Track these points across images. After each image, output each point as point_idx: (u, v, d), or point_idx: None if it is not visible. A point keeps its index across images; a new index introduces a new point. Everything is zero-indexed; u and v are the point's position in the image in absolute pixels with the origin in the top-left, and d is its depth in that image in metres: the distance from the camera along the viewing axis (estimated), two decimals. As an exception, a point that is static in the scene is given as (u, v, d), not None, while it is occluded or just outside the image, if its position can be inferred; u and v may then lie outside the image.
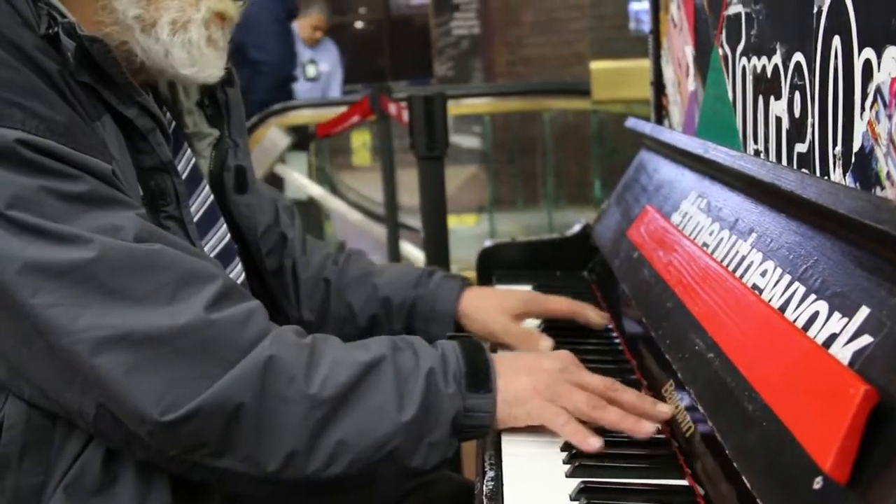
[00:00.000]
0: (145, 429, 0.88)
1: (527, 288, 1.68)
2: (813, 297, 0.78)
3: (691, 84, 1.49)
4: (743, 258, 0.98)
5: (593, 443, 0.94)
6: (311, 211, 5.07)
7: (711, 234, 1.11)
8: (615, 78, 3.59)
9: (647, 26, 1.80)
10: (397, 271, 1.42)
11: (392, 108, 3.36)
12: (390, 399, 0.93)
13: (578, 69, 5.83)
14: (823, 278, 0.79)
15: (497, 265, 1.82)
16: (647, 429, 0.98)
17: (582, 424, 0.96)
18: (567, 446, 0.97)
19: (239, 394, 0.89)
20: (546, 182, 5.68)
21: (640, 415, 0.99)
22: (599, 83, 3.61)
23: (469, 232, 5.38)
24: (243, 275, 1.20)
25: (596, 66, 3.71)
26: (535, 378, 1.00)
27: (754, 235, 0.99)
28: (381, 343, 0.99)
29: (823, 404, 0.65)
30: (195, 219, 1.10)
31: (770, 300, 0.85)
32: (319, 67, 5.89)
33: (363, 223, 4.97)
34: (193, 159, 1.15)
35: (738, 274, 0.96)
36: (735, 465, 0.78)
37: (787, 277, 0.87)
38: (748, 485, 0.74)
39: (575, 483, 0.89)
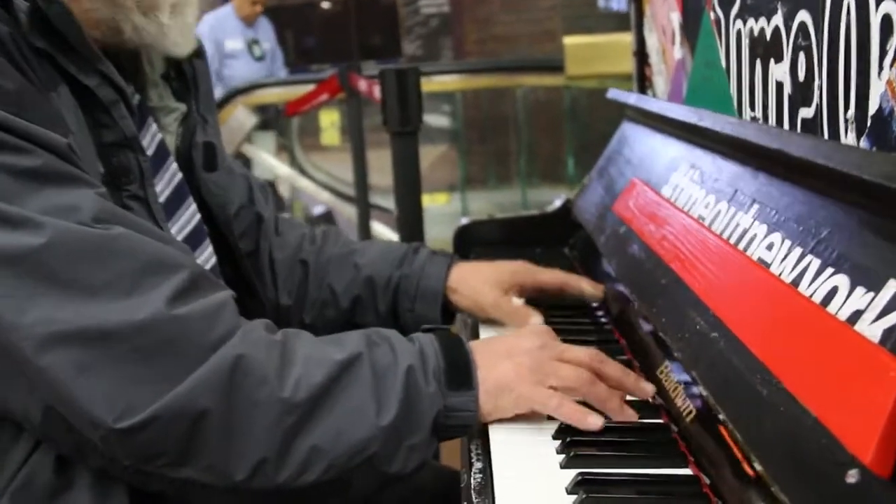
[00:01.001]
0: (98, 434, 0.80)
1: (507, 267, 1.62)
2: (830, 270, 0.72)
3: (678, 52, 1.43)
4: (745, 231, 0.92)
5: (594, 421, 0.89)
6: (278, 192, 4.98)
7: (707, 207, 1.05)
8: (589, 53, 3.54)
9: (615, 3, 1.73)
10: (380, 249, 1.35)
11: (362, 85, 3.28)
12: (368, 401, 0.86)
13: (549, 46, 5.77)
14: (840, 251, 0.73)
15: (474, 243, 1.75)
16: (629, 416, 0.94)
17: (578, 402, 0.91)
18: (560, 433, 0.91)
19: (203, 397, 0.81)
20: (519, 160, 5.62)
21: (624, 390, 0.96)
22: (573, 58, 3.55)
23: (441, 211, 5.30)
24: (214, 258, 1.12)
25: (570, 41, 3.64)
26: (516, 361, 0.93)
27: (756, 207, 0.93)
28: (356, 339, 0.91)
29: (856, 388, 0.59)
30: (161, 199, 1.01)
31: (780, 275, 0.79)
32: (262, 46, 5.77)
33: (333, 203, 4.88)
34: (159, 135, 1.06)
35: (741, 248, 0.90)
36: (747, 453, 0.72)
37: (798, 250, 0.80)
38: (768, 476, 0.68)
39: (571, 474, 0.82)
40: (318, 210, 5.12)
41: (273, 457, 0.82)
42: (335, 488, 0.87)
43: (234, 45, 5.60)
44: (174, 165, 1.07)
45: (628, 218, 1.27)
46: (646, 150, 1.42)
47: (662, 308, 1.01)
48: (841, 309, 0.68)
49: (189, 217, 1.06)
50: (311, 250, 1.34)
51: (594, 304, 1.38)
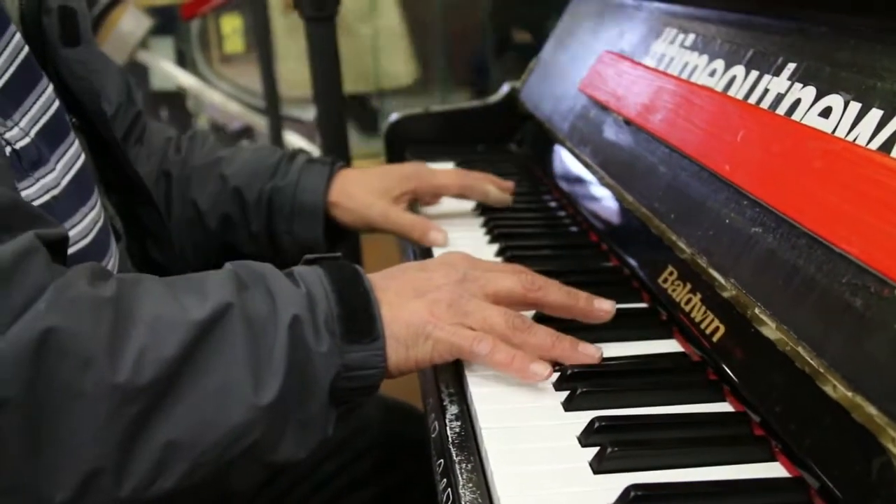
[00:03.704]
0: None
1: (447, 167, 1.41)
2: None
3: None
4: (780, 97, 0.72)
5: (539, 371, 0.67)
6: (177, 102, 4.63)
7: (714, 75, 0.84)
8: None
9: None
10: (251, 157, 1.09)
11: (266, -23, 2.97)
12: (242, 372, 0.61)
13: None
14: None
15: (408, 140, 1.53)
16: (589, 355, 0.71)
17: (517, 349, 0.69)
18: (555, 364, 0.70)
19: None
20: (438, 63, 5.35)
21: (576, 317, 0.75)
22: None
23: (355, 119, 5.01)
24: (82, 157, 0.83)
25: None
26: (429, 299, 0.70)
27: (791, 66, 0.73)
28: (222, 283, 0.65)
29: None
30: (1, 82, 0.74)
31: (855, 140, 0.60)
32: None
33: (243, 114, 4.56)
34: None
35: (781, 114, 0.70)
36: (822, 373, 0.53)
37: (857, 106, 0.62)
38: (872, 408, 0.49)
39: (581, 417, 0.63)
40: (235, 126, 4.79)
41: (110, 465, 0.57)
42: (206, 489, 0.64)
43: None
44: (18, 37, 0.79)
45: (604, 99, 1.06)
46: (611, 20, 1.20)
47: (668, 200, 0.81)
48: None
49: (44, 106, 0.79)
50: (176, 160, 1.08)
51: (553, 204, 1.19)
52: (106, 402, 0.56)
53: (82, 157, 0.82)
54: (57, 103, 0.81)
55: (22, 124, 0.74)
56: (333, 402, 0.65)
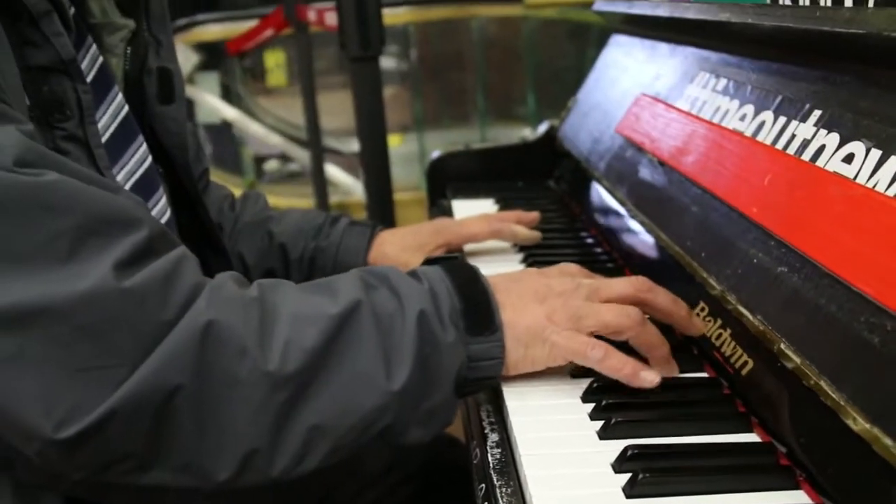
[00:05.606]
0: (33, 448, 0.60)
1: (487, 203, 1.46)
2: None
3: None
4: (806, 142, 0.75)
5: (649, 378, 0.73)
6: (224, 136, 4.74)
7: (744, 119, 0.88)
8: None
9: None
10: (297, 218, 1.17)
11: (311, 15, 3.05)
12: (375, 361, 0.69)
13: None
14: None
15: (449, 177, 1.58)
16: (673, 369, 0.79)
17: (629, 355, 0.75)
18: (592, 395, 0.74)
19: (170, 380, 0.62)
20: (476, 97, 5.42)
21: (675, 323, 0.82)
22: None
23: (395, 152, 5.09)
24: (169, 211, 0.91)
25: (529, -35, 3.44)
26: (548, 305, 0.77)
27: (817, 113, 0.76)
28: (349, 283, 0.73)
29: None
30: (104, 138, 0.80)
31: (874, 188, 0.63)
32: None
33: (284, 146, 4.66)
34: (101, 58, 0.84)
35: (807, 160, 0.73)
36: (844, 408, 0.57)
37: (877, 153, 0.65)
38: (889, 440, 0.52)
39: (614, 446, 0.66)
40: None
41: (265, 446, 0.65)
42: (341, 470, 0.70)
43: None
44: (120, 96, 0.85)
45: (639, 140, 1.10)
46: (647, 63, 1.25)
47: (699, 239, 0.85)
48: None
49: (139, 160, 0.86)
50: (229, 216, 1.17)
51: (590, 240, 1.23)
52: (259, 388, 0.64)
53: (168, 211, 0.89)
54: (149, 158, 0.88)
55: (119, 177, 0.81)
56: (457, 392, 0.72)
